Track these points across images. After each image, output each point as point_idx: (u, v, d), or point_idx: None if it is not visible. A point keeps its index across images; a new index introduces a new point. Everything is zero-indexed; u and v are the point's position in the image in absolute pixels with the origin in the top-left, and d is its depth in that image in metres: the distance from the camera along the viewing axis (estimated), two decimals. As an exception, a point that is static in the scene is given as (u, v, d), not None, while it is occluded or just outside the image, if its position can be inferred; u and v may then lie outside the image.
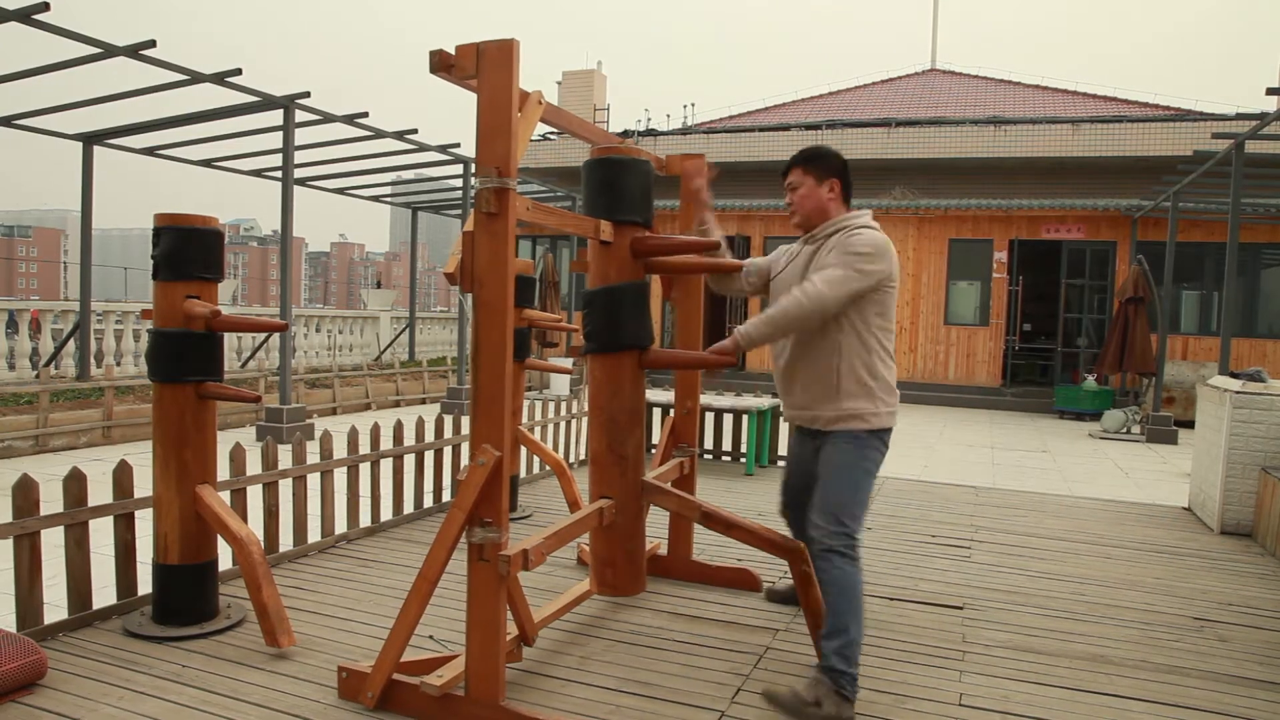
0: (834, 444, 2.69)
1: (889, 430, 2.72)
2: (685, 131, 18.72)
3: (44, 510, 2.88)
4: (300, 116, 8.52)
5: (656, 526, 4.02)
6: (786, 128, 16.90)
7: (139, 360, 10.73)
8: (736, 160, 16.73)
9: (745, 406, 6.65)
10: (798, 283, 2.73)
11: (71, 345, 9.94)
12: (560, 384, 13.06)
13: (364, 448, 5.40)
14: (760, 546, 2.95)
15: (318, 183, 12.38)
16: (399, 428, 4.50)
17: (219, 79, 7.48)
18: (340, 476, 4.41)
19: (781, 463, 6.88)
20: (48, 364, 9.90)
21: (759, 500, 5.45)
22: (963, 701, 2.62)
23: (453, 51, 2.30)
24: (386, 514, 4.52)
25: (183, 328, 2.99)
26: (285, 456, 6.05)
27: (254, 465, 3.86)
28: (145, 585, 3.14)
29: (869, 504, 2.72)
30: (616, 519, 2.90)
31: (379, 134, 9.57)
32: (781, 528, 3.19)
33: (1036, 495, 6.06)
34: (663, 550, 3.84)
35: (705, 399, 6.71)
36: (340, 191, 13.26)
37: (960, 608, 3.48)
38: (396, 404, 12.05)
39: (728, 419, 7.22)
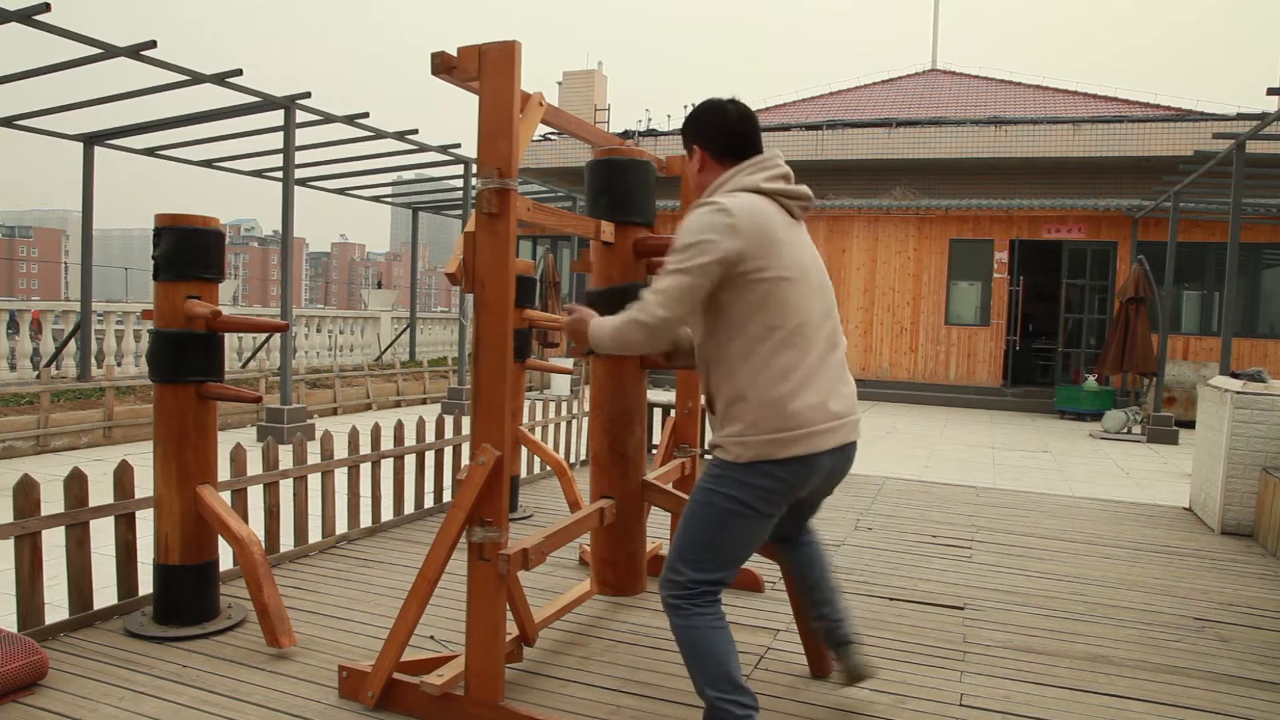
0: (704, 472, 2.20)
1: (775, 463, 2.04)
2: (686, 132, 18.70)
3: (45, 510, 2.89)
4: (301, 117, 8.52)
5: (658, 527, 4.03)
6: (787, 128, 16.90)
7: (140, 360, 10.74)
8: (737, 160, 16.70)
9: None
10: None
11: (72, 345, 9.94)
12: (561, 384, 13.06)
13: (365, 448, 5.40)
14: None
15: (318, 183, 12.39)
16: (399, 428, 4.50)
17: (220, 79, 7.49)
18: (341, 477, 4.41)
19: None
20: (49, 364, 9.91)
21: (759, 500, 5.44)
22: (963, 702, 2.62)
23: (455, 53, 2.30)
24: (387, 514, 4.53)
25: (183, 328, 2.99)
26: (286, 457, 6.06)
27: (255, 465, 3.86)
28: (146, 585, 3.14)
29: (735, 550, 2.13)
30: (617, 519, 2.90)
31: (380, 134, 9.57)
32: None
33: (1037, 495, 6.06)
34: (664, 550, 3.84)
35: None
36: (341, 192, 13.27)
37: (960, 608, 3.48)
38: (397, 404, 12.05)
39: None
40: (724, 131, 2.19)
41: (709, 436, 2.26)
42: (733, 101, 2.23)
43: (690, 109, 2.27)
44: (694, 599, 2.10)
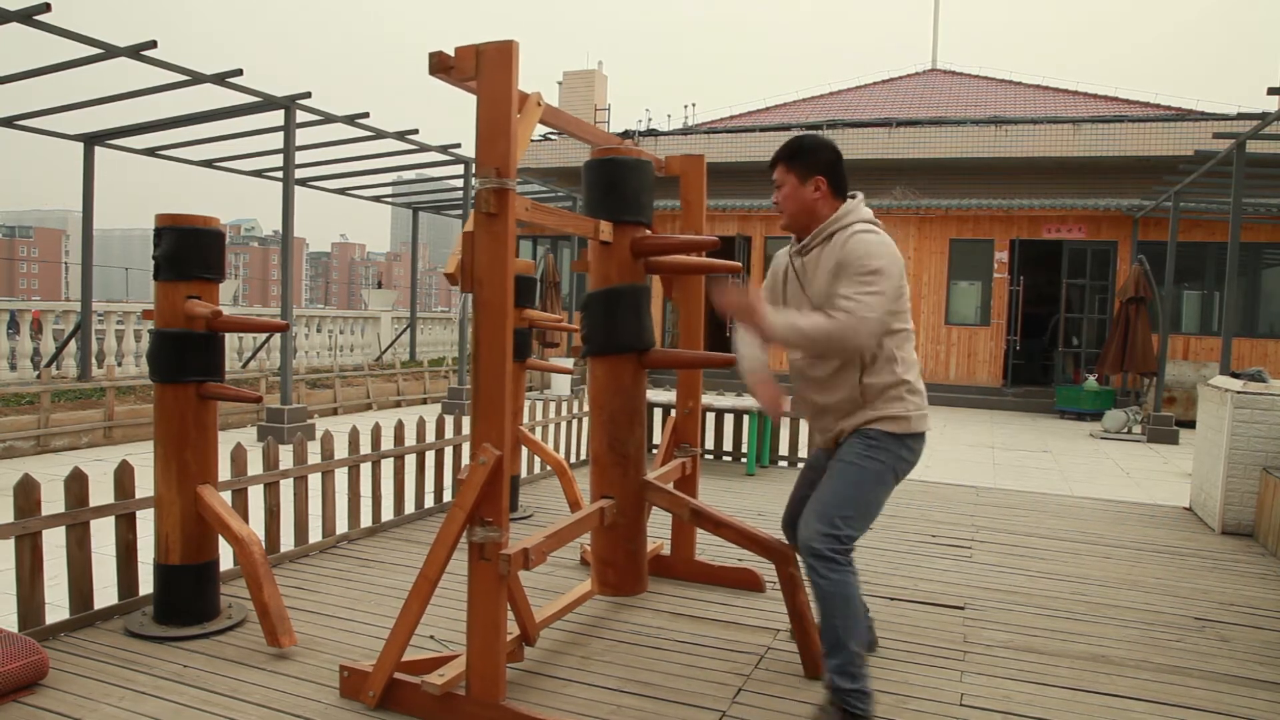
0: (848, 443, 2.50)
1: (917, 436, 2.49)
2: (686, 132, 18.72)
3: (45, 510, 2.89)
4: (301, 117, 8.52)
5: (659, 527, 4.03)
6: (787, 128, 16.89)
7: (140, 360, 10.74)
8: (737, 160, 16.73)
9: (746, 407, 6.65)
10: (800, 303, 2.55)
11: (73, 345, 9.94)
12: (561, 384, 13.06)
13: (365, 448, 5.41)
14: (747, 546, 2.95)
15: (319, 183, 12.39)
16: (400, 428, 4.50)
17: (220, 79, 7.49)
18: (341, 476, 4.41)
19: (783, 464, 6.88)
20: (49, 364, 9.91)
21: (759, 501, 5.45)
22: (964, 702, 2.62)
23: (452, 53, 2.30)
24: (387, 514, 4.53)
25: (184, 328, 2.99)
26: (286, 457, 6.05)
27: (255, 465, 3.86)
28: (146, 585, 3.14)
29: (874, 513, 2.47)
30: (618, 519, 2.90)
31: (380, 134, 9.57)
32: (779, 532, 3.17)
33: (1037, 495, 6.06)
34: (665, 550, 3.84)
35: (706, 399, 6.71)
36: (341, 192, 13.27)
37: (961, 608, 3.47)
38: (397, 404, 12.05)
39: (728, 419, 7.21)
40: (841, 172, 2.57)
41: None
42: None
43: (799, 139, 2.60)
44: (848, 554, 2.36)
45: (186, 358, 2.99)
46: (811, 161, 2.53)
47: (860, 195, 2.58)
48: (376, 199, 14.44)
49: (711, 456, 6.95)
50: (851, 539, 2.38)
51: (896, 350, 2.47)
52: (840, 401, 2.51)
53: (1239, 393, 4.92)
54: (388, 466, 4.47)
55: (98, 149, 9.62)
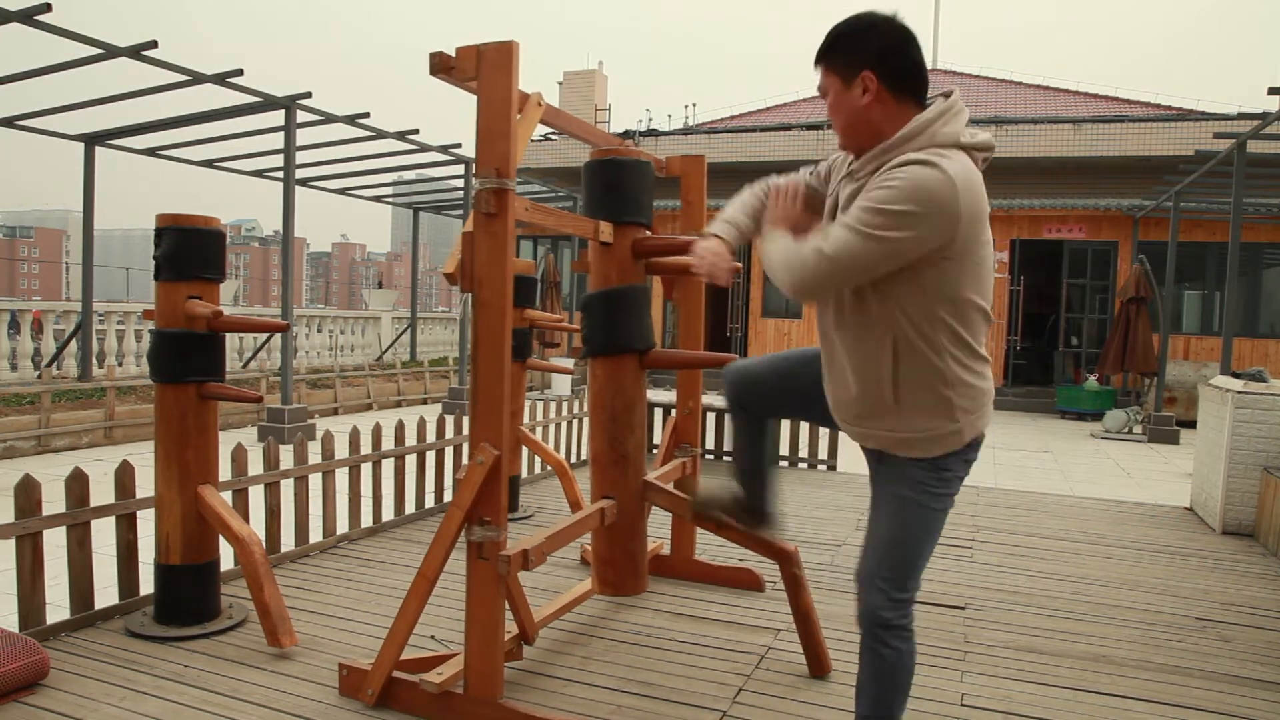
0: (900, 474, 1.93)
1: (972, 447, 1.97)
2: (687, 132, 18.73)
3: (46, 510, 2.89)
4: (302, 117, 8.52)
5: (659, 526, 4.03)
6: (788, 128, 16.90)
7: (141, 360, 10.74)
8: (738, 160, 16.73)
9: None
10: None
11: (73, 345, 9.95)
12: (561, 384, 13.06)
13: (365, 448, 5.40)
14: (749, 546, 2.95)
15: (319, 183, 12.39)
16: (400, 428, 4.50)
17: (220, 79, 7.49)
18: (342, 476, 4.41)
19: (783, 464, 6.86)
20: (50, 364, 9.92)
21: (760, 500, 5.44)
22: (964, 701, 2.62)
23: (453, 53, 2.30)
24: (388, 514, 4.53)
25: (184, 328, 2.99)
26: (287, 457, 6.05)
27: (256, 465, 3.86)
28: (147, 585, 3.14)
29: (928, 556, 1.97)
30: (618, 519, 2.90)
31: (380, 134, 9.57)
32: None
33: (1038, 495, 6.06)
34: (665, 550, 3.84)
35: (706, 399, 6.69)
36: (342, 192, 13.27)
37: (962, 608, 3.47)
38: (398, 404, 12.06)
39: (728, 419, 7.21)
40: (909, 60, 1.76)
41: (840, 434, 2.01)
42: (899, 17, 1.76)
43: (845, 23, 1.79)
44: (911, 618, 1.91)
45: (187, 358, 2.99)
46: (855, 52, 1.76)
47: (954, 94, 1.81)
48: (377, 199, 14.44)
49: (711, 457, 6.94)
50: (914, 601, 1.94)
51: (948, 339, 1.83)
52: (863, 393, 1.90)
53: (1240, 393, 4.92)
54: (388, 466, 4.47)
55: (98, 149, 9.62)
